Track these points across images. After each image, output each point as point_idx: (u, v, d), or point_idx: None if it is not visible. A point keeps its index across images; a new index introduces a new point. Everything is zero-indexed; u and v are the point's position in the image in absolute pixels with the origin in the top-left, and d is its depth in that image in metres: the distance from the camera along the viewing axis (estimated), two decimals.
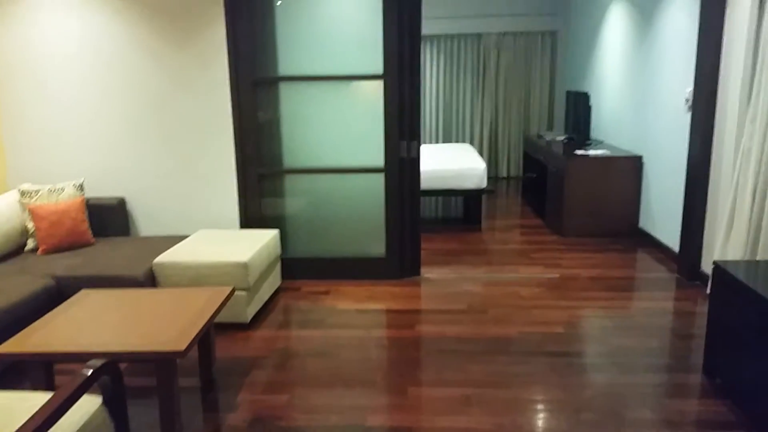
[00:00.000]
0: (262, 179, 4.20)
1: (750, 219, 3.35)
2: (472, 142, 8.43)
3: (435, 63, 8.26)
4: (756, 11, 3.38)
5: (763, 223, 3.24)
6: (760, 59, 3.36)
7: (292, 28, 4.02)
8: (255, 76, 4.01)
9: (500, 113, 8.30)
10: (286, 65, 4.07)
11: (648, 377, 2.84)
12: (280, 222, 4.29)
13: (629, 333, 3.32)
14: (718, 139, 3.81)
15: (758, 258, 3.30)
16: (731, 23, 3.64)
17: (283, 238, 4.30)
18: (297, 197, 4.28)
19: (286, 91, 4.10)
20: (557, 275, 4.28)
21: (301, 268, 4.28)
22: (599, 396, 2.69)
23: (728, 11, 3.66)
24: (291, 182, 4.24)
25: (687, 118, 4.28)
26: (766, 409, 2.32)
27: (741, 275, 2.57)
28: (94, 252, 3.65)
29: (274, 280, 3.91)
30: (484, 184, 5.63)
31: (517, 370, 2.94)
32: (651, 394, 2.69)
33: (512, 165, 8.42)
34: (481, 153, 8.36)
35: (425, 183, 5.51)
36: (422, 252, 4.77)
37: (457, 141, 8.48)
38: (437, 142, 8.47)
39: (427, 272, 4.39)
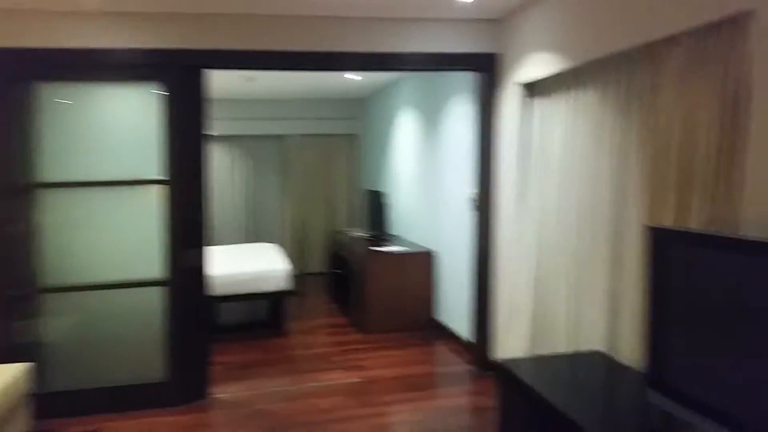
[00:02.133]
0: (12, 302, 3.54)
1: (529, 313, 3.51)
2: (281, 241, 8.25)
3: (241, 163, 8.10)
4: (519, 125, 3.71)
5: (540, 318, 3.41)
6: (527, 165, 3.65)
7: (59, 130, 3.56)
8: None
9: (306, 212, 8.29)
10: (51, 170, 3.56)
11: None
12: (38, 351, 3.60)
13: None
14: (499, 235, 4.04)
15: (536, 350, 3.43)
16: (502, 134, 3.96)
17: (41, 370, 3.57)
18: (59, 320, 3.66)
19: (47, 199, 3.57)
20: (359, 379, 4.12)
21: (63, 404, 3.58)
22: None
23: (498, 123, 3.99)
24: (52, 303, 3.62)
25: (471, 215, 4.53)
26: None
27: (519, 371, 2.60)
28: None
29: (18, 427, 3.19)
30: (287, 285, 5.41)
31: None
32: None
33: (320, 262, 8.36)
34: (289, 252, 8.21)
35: (224, 288, 5.15)
36: (215, 368, 4.34)
37: (266, 241, 8.25)
38: (245, 242, 8.15)
39: (220, 392, 3.96)
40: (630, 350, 2.67)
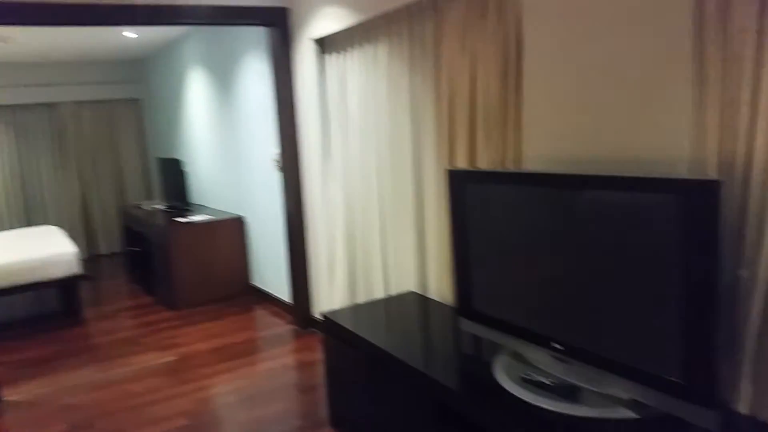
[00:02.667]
0: None
1: (346, 265, 3.61)
2: (63, 223, 7.40)
3: (6, 137, 7.02)
4: (318, 78, 3.71)
5: (358, 268, 3.52)
6: (329, 120, 3.68)
7: None
8: None
9: (91, 187, 7.52)
10: None
11: None
12: None
13: (257, 402, 3.18)
14: (309, 195, 4.05)
15: (358, 299, 3.56)
16: (300, 89, 3.93)
17: None
18: None
19: None
20: (174, 357, 3.92)
21: None
22: None
23: (296, 77, 3.95)
24: None
25: (278, 176, 4.47)
26: None
27: (343, 320, 2.68)
28: None
29: None
30: (77, 269, 4.90)
31: None
32: None
33: (113, 241, 7.69)
34: (75, 233, 7.41)
35: (0, 280, 4.51)
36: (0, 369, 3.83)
37: (45, 223, 7.33)
38: (19, 227, 7.17)
39: (10, 394, 3.51)
40: (439, 287, 2.88)
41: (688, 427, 1.62)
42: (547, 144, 2.20)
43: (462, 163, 2.59)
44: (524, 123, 2.27)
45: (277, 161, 4.39)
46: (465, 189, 2.17)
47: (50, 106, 7.23)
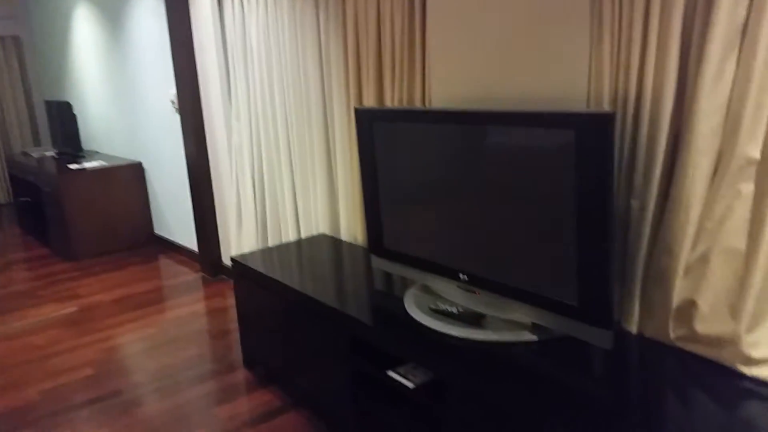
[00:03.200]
0: None
1: (255, 209, 3.55)
2: None
3: None
4: (217, 14, 3.53)
5: (267, 213, 3.47)
6: (230, 60, 3.53)
7: None
8: None
9: None
10: None
11: (195, 391, 2.71)
12: None
13: (166, 350, 3.13)
14: (211, 138, 3.91)
15: (270, 243, 3.52)
16: (198, 26, 3.73)
17: None
18: None
19: None
20: (75, 308, 3.75)
21: None
22: None
23: (193, 13, 3.73)
24: None
25: (177, 119, 4.27)
26: (303, 386, 2.46)
27: (254, 263, 2.66)
28: None
29: None
30: None
31: None
32: (202, 409, 2.57)
33: (0, 191, 7.14)
34: None
35: None
36: None
37: None
38: None
39: None
40: (351, 228, 2.90)
41: (584, 347, 1.76)
42: (453, 83, 2.23)
43: (371, 103, 2.58)
44: (430, 62, 2.28)
45: (174, 103, 4.18)
46: (372, 128, 2.18)
47: None
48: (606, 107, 1.74)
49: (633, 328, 1.82)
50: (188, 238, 4.57)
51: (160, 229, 5.05)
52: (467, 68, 2.17)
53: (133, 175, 4.96)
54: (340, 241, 2.93)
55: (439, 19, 2.22)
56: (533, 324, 1.84)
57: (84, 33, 5.57)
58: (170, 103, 4.30)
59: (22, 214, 6.11)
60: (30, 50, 7.11)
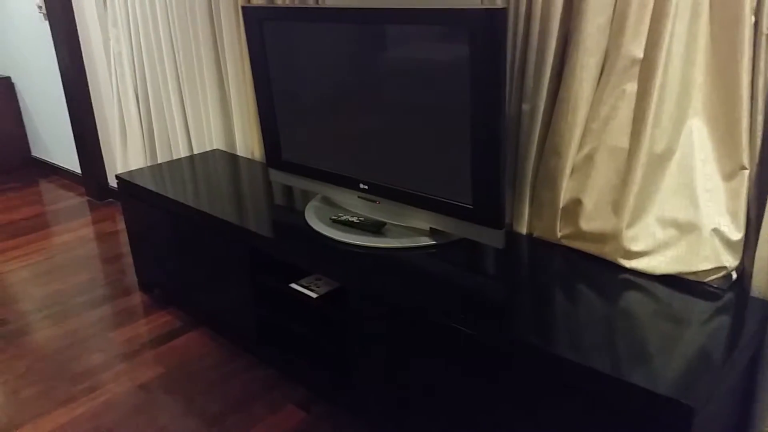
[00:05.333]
0: None
1: (141, 124, 3.32)
2: None
3: None
4: None
5: (155, 128, 3.25)
6: None
7: None
8: None
9: None
10: None
11: (89, 317, 2.59)
12: None
13: (55, 276, 2.95)
14: (87, 48, 3.57)
15: (159, 161, 3.33)
16: None
17: None
18: None
19: None
20: None
21: None
22: (41, 361, 2.30)
23: None
24: None
25: (47, 27, 3.84)
26: (203, 306, 2.41)
27: (143, 181, 2.51)
28: None
29: None
30: None
31: None
32: (97, 334, 2.47)
33: None
34: None
35: None
36: None
37: None
38: None
39: None
40: (247, 142, 2.79)
41: (478, 247, 1.82)
42: None
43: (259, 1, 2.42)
44: None
45: (41, 8, 3.76)
46: (262, 29, 2.05)
47: None
48: (499, 3, 1.72)
49: (523, 229, 1.89)
50: (71, 160, 4.24)
51: (37, 151, 4.65)
52: None
53: (2, 91, 4.48)
54: (236, 156, 2.82)
55: None
56: (431, 229, 1.87)
57: None
58: (36, 8, 3.85)
59: None
60: None
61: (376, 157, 1.88)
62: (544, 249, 1.80)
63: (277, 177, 2.27)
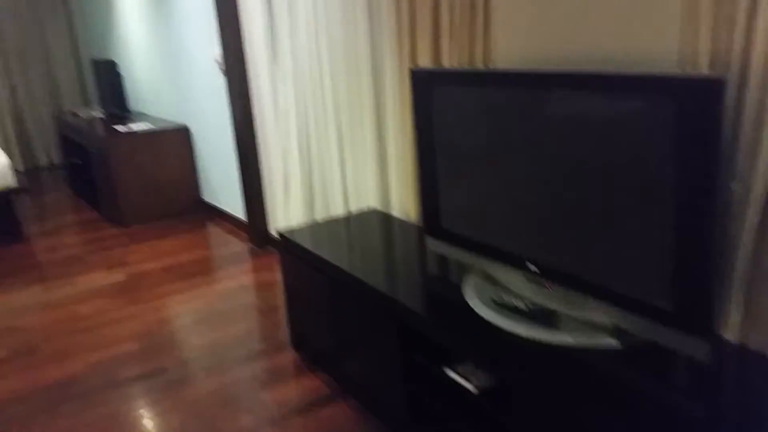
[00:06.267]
0: None
1: (302, 180, 3.38)
2: None
3: None
4: None
5: (315, 183, 3.29)
6: (276, 20, 3.31)
7: None
8: None
9: (20, 92, 6.92)
10: None
11: (242, 372, 2.61)
12: None
13: (214, 324, 3.04)
14: (258, 102, 3.74)
15: (316, 216, 3.36)
16: None
17: None
18: None
19: None
20: (123, 277, 3.71)
21: None
22: (195, 417, 2.33)
23: None
24: None
25: (223, 81, 4.10)
26: (351, 374, 2.32)
27: (301, 239, 2.50)
28: None
29: None
30: (11, 182, 4.54)
31: (92, 416, 2.35)
32: (249, 392, 2.47)
33: (51, 151, 7.21)
34: (8, 144, 6.90)
35: None
36: None
37: None
38: None
39: None
40: (403, 203, 2.70)
41: (675, 357, 1.53)
42: (519, 39, 1.96)
43: (425, 63, 2.33)
44: (493, 15, 2.02)
45: (219, 63, 4.01)
46: (431, 92, 1.94)
47: None
48: (704, 71, 1.47)
49: (731, 337, 1.57)
50: (236, 206, 4.46)
51: (207, 196, 4.96)
52: (536, 21, 1.90)
53: (180, 138, 4.86)
54: (391, 216, 2.74)
55: None
56: (615, 327, 1.61)
57: None
58: (215, 63, 4.13)
59: (73, 176, 6.15)
60: (77, 6, 7.04)
61: (548, 234, 1.67)
62: (764, 366, 1.47)
63: (435, 246, 2.13)
